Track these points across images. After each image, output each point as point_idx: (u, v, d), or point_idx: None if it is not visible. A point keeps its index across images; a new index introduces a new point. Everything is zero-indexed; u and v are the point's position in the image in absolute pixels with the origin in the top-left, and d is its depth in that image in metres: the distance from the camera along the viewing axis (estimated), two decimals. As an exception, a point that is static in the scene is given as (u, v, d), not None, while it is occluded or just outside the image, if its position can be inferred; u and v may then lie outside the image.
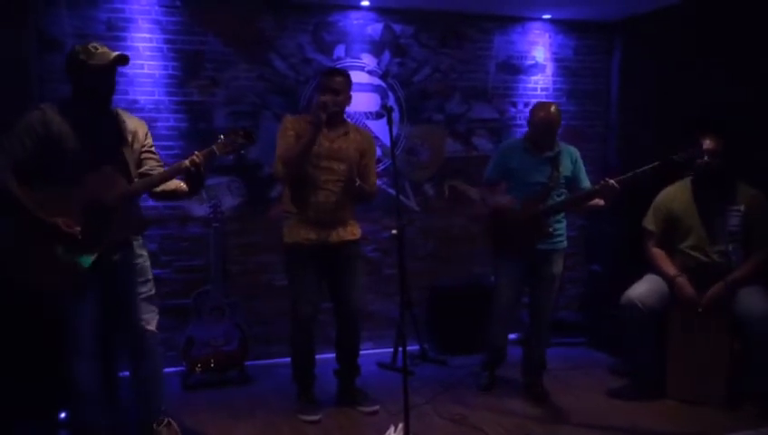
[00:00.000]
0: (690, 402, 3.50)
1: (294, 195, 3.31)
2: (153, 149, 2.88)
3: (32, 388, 2.94)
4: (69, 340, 2.70)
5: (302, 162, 3.18)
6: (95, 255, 2.60)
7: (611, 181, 3.19)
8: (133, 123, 2.81)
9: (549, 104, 3.49)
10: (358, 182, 3.27)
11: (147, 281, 2.87)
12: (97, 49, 2.60)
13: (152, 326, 2.86)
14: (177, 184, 2.81)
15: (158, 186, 2.74)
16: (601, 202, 3.38)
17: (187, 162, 2.64)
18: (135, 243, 2.83)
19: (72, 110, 2.64)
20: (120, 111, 2.81)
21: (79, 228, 2.56)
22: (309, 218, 3.27)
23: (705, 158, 3.46)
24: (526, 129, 3.60)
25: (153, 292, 2.90)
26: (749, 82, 3.78)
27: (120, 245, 2.72)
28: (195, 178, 2.70)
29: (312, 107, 3.22)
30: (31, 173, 2.57)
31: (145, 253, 2.89)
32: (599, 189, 3.26)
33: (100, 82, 2.63)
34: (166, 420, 2.94)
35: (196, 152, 2.66)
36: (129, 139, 2.76)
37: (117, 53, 2.62)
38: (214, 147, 2.67)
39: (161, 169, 2.80)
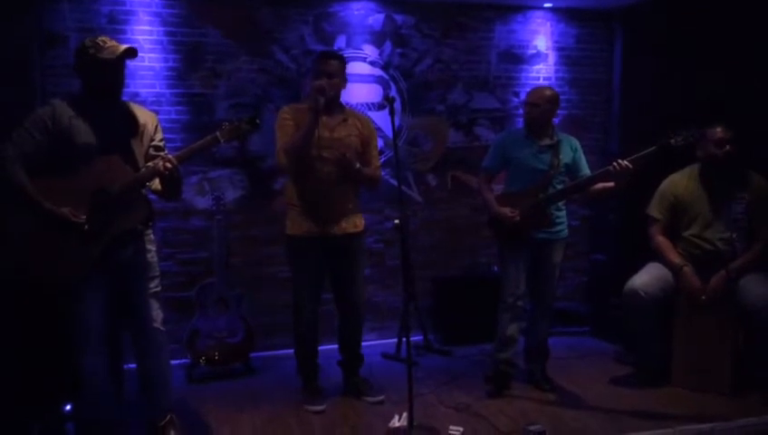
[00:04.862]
0: (694, 391, 3.50)
1: (297, 187, 3.28)
2: (162, 144, 2.85)
3: (37, 381, 2.95)
4: (76, 333, 2.70)
5: (304, 150, 3.13)
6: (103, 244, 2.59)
7: (624, 162, 3.11)
8: (143, 116, 2.79)
9: (543, 87, 3.49)
10: (357, 165, 3.21)
11: (154, 277, 2.86)
12: (106, 43, 2.59)
13: (158, 323, 2.86)
14: (157, 185, 2.77)
15: (142, 185, 2.70)
16: (610, 185, 3.30)
17: (160, 166, 2.59)
18: (145, 238, 2.83)
19: (82, 104, 2.63)
20: (131, 104, 2.79)
21: (84, 217, 2.56)
22: (311, 211, 3.25)
23: (727, 147, 3.41)
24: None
25: (159, 288, 2.89)
26: (750, 71, 3.76)
27: (128, 236, 2.71)
28: (169, 182, 2.66)
29: (309, 93, 3.17)
30: (41, 166, 2.57)
31: (154, 248, 2.87)
32: (611, 171, 3.15)
33: (109, 76, 2.61)
34: (169, 416, 2.94)
35: (169, 156, 2.61)
36: (140, 131, 2.75)
37: (126, 46, 2.60)
38: (218, 133, 2.66)
39: None
